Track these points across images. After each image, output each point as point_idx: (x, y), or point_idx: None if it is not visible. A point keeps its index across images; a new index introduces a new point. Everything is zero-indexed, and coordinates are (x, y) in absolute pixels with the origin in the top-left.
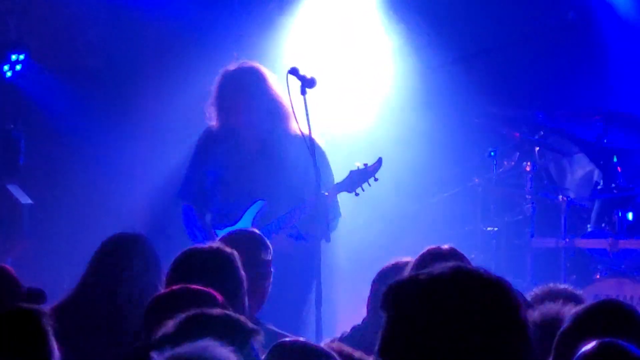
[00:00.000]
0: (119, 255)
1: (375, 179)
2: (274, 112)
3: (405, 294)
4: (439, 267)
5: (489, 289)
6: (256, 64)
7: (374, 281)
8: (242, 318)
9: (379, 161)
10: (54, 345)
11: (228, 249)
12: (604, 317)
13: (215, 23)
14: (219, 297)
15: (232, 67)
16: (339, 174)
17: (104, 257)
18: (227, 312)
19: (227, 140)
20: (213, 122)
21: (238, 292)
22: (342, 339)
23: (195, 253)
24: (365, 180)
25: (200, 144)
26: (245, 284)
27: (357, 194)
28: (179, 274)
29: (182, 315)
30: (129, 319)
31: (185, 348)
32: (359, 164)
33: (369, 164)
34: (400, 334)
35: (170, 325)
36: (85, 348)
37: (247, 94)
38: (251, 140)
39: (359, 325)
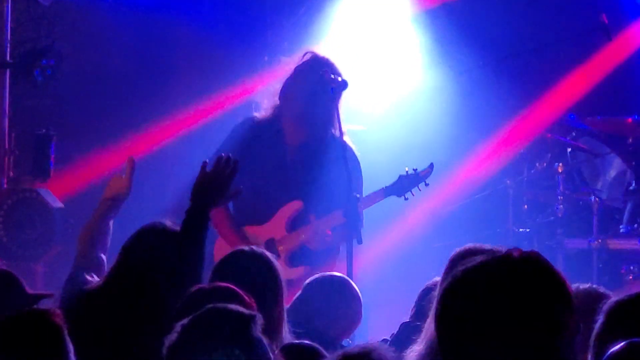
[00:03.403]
0: (146, 249)
1: (426, 184)
2: (321, 114)
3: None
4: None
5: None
6: (329, 59)
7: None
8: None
9: (431, 166)
10: (70, 346)
11: (270, 254)
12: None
13: (246, 27)
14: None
15: (307, 57)
16: (368, 177)
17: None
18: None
19: (270, 136)
20: (262, 112)
21: (279, 295)
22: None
23: (241, 256)
24: (416, 185)
25: (238, 135)
26: (285, 289)
27: (406, 199)
28: (222, 274)
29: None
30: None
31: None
32: (408, 169)
33: (419, 169)
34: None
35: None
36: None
37: (311, 90)
38: (294, 139)
39: (407, 321)
